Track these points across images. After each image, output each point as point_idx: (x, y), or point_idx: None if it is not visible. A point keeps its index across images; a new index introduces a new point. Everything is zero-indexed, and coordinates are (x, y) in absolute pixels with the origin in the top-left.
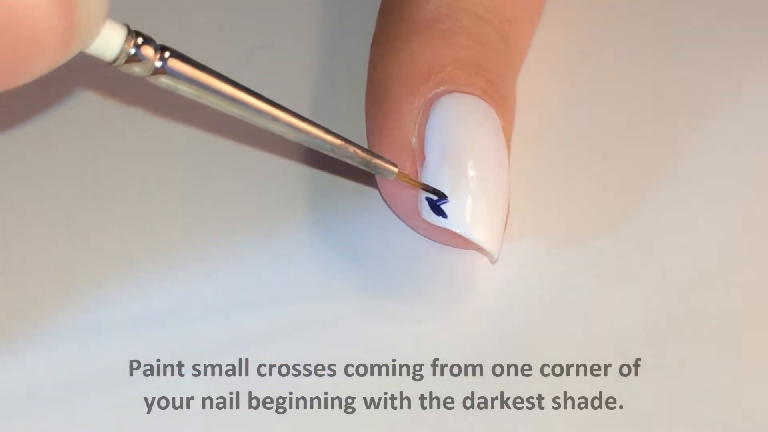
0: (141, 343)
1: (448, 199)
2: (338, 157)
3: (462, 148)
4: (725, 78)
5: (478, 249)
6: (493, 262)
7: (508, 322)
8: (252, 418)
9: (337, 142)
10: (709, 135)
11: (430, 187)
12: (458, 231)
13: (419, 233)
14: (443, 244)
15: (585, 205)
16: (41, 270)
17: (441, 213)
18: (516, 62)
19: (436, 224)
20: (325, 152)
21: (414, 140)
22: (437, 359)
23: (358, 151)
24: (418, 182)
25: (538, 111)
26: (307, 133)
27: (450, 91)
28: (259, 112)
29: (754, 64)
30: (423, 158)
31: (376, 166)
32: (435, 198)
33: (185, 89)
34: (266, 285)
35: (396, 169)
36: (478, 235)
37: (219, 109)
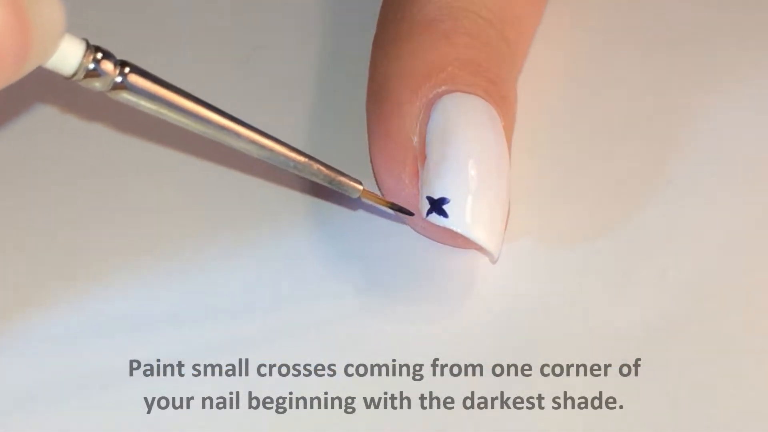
0: (141, 343)
1: (449, 199)
2: (303, 174)
3: (463, 147)
4: (725, 78)
5: (479, 248)
6: (494, 261)
7: (508, 322)
8: (252, 418)
9: (301, 159)
10: (709, 135)
11: (397, 205)
12: (459, 230)
13: (419, 232)
14: (444, 243)
15: (585, 205)
16: (40, 269)
17: (442, 213)
18: (517, 62)
19: (437, 224)
20: (289, 169)
21: (415, 139)
22: (437, 359)
23: (322, 169)
24: (384, 200)
25: (539, 111)
26: (270, 150)
27: (451, 91)
28: (221, 128)
29: (755, 63)
30: (424, 157)
31: (340, 183)
32: (428, 204)
33: (146, 104)
34: (266, 285)
35: (361, 187)
36: (478, 235)
37: (180, 125)
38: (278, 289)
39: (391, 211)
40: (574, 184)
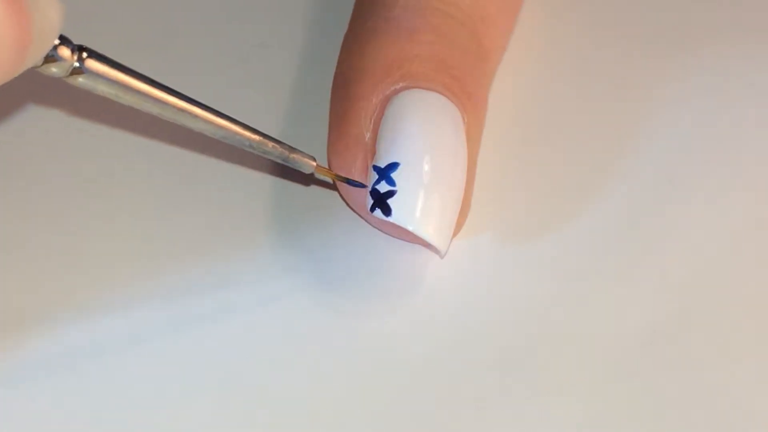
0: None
1: (394, 192)
2: (257, 152)
3: (413, 142)
4: (726, 77)
5: (426, 244)
6: (442, 257)
7: (507, 322)
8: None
9: (255, 137)
10: (709, 135)
11: (350, 180)
12: (405, 226)
13: (375, 226)
14: (397, 238)
15: (585, 205)
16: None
17: (386, 208)
18: (489, 60)
19: (383, 219)
20: (245, 148)
21: (368, 135)
22: (434, 358)
23: (277, 146)
24: (336, 174)
25: (537, 110)
26: (225, 129)
27: (409, 87)
28: (178, 109)
29: (756, 63)
30: (374, 153)
31: (294, 160)
32: (357, 184)
33: (103, 89)
34: (224, 285)
35: (314, 163)
36: (423, 231)
37: (139, 107)
38: (238, 289)
39: (344, 194)
40: (574, 184)
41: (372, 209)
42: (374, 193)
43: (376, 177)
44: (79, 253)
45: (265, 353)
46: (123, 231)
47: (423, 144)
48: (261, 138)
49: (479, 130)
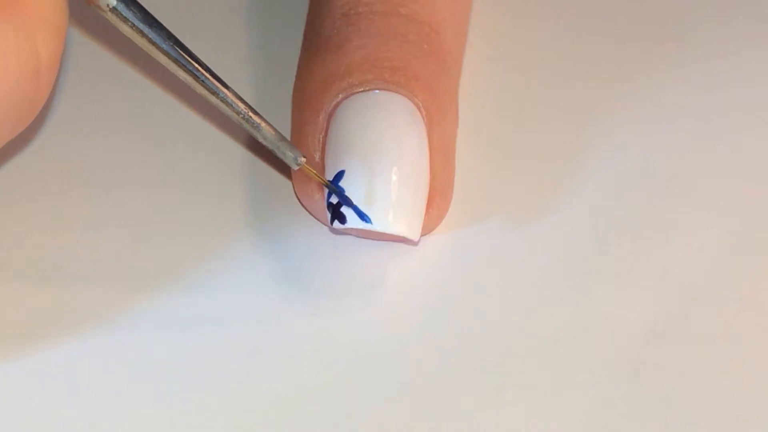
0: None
1: (344, 201)
2: (249, 128)
3: (349, 146)
4: (725, 77)
5: (397, 238)
6: (415, 243)
7: (506, 322)
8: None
9: (254, 117)
10: (709, 134)
11: (333, 187)
12: (362, 228)
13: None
14: (362, 237)
15: (585, 205)
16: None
17: (342, 218)
18: (438, 34)
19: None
20: (240, 123)
21: (317, 155)
22: (433, 358)
23: (271, 130)
24: (323, 179)
25: (535, 111)
26: (222, 93)
27: (349, 95)
28: (190, 65)
29: (756, 62)
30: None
31: (284, 149)
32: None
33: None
34: (199, 289)
35: (304, 159)
36: (382, 225)
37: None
38: (204, 292)
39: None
40: (573, 185)
41: (331, 222)
42: (329, 206)
43: (326, 191)
44: (74, 254)
45: (243, 354)
46: (104, 235)
47: (361, 143)
48: (260, 118)
49: (443, 110)
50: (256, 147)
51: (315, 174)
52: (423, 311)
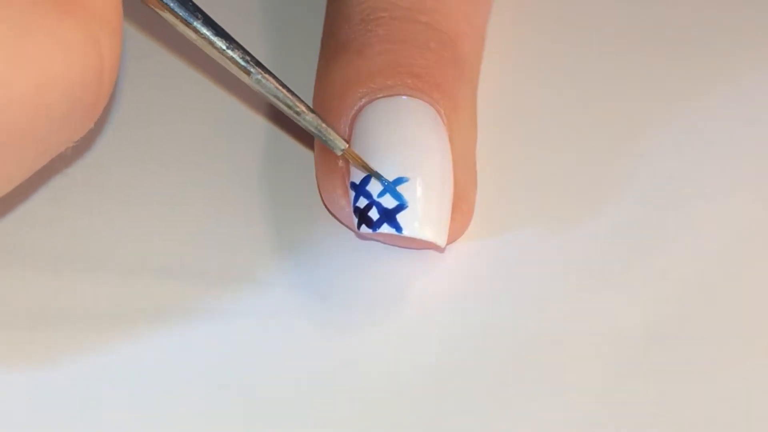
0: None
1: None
2: (291, 113)
3: (375, 151)
4: (725, 76)
5: (424, 244)
6: (442, 250)
7: (505, 322)
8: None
9: (300, 104)
10: (709, 134)
11: (376, 172)
12: (393, 233)
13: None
14: (388, 244)
15: (585, 205)
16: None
17: (370, 223)
18: (456, 43)
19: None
20: (284, 109)
21: (341, 161)
22: (432, 360)
23: (316, 117)
24: (365, 164)
25: (534, 111)
26: (270, 82)
27: (372, 100)
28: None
29: (755, 62)
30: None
31: (328, 133)
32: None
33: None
34: (211, 293)
35: (347, 145)
36: (411, 231)
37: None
38: (231, 304)
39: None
40: (573, 185)
41: (358, 227)
42: (356, 210)
43: (353, 194)
44: (75, 253)
45: (254, 362)
46: (112, 234)
47: (387, 148)
48: (305, 106)
49: (463, 118)
50: (281, 149)
51: (359, 160)
52: (447, 320)
